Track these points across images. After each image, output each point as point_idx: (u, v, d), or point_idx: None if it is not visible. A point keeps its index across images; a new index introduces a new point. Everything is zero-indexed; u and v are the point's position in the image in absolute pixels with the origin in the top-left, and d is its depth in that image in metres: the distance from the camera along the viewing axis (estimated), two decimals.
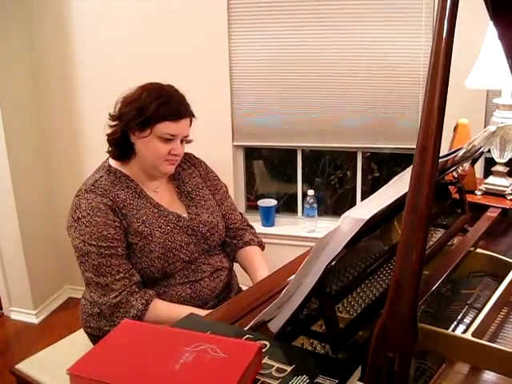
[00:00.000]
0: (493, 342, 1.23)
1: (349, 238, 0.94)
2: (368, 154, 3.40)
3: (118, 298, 1.75)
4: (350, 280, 1.27)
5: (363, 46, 2.89)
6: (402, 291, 0.68)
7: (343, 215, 0.96)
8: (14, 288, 3.49)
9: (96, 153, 3.33)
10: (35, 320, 3.50)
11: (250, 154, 3.42)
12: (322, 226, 3.28)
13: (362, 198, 3.30)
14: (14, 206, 3.28)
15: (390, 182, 1.11)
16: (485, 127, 2.48)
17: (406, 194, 1.07)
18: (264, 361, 0.92)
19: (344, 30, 2.90)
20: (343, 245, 0.95)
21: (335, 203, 3.89)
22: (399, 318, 0.68)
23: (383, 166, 3.80)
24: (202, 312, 1.69)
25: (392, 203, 1.01)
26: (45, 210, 3.55)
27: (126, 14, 3.14)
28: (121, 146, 1.86)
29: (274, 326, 1.08)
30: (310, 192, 3.19)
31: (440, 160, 1.37)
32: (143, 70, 3.13)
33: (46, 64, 3.37)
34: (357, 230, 0.93)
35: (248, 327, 1.12)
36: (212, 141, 2.94)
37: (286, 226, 3.36)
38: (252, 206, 3.53)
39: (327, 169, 3.86)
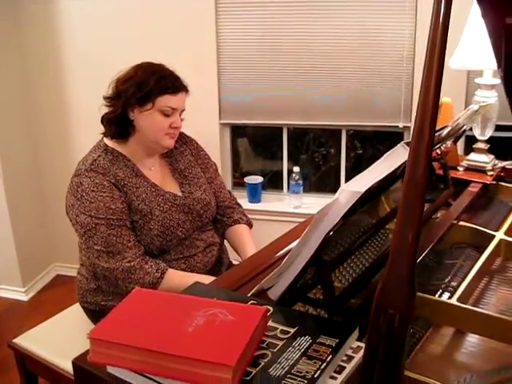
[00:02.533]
0: (475, 307, 1.31)
1: (346, 210, 1.01)
2: (351, 131, 3.47)
3: (132, 263, 1.81)
4: (342, 251, 1.35)
5: (348, 25, 2.94)
6: (401, 254, 0.75)
7: (340, 188, 1.03)
8: (3, 266, 3.51)
9: (84, 132, 3.38)
10: (24, 297, 3.52)
11: (235, 131, 3.46)
12: (307, 202, 3.36)
13: (346, 175, 3.38)
14: (1, 184, 3.29)
15: (380, 159, 1.18)
16: (465, 106, 2.57)
17: (395, 171, 1.15)
18: (269, 324, 0.99)
19: (329, 9, 2.94)
20: (341, 215, 1.02)
21: (319, 180, 3.96)
22: (399, 279, 0.75)
23: (366, 143, 3.87)
24: (211, 279, 1.76)
25: (383, 178, 1.08)
26: (33, 189, 3.56)
27: (117, 6, 3.17)
28: (120, 123, 1.90)
29: (274, 294, 1.16)
30: (296, 169, 3.26)
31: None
32: (131, 51, 3.17)
33: (36, 62, 3.38)
34: (353, 201, 1.00)
35: (250, 294, 1.19)
36: (199, 119, 2.98)
37: (272, 202, 3.43)
38: (238, 183, 3.58)
39: (311, 146, 3.92)
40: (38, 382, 2.11)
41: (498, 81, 1.94)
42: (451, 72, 2.18)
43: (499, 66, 1.77)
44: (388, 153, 1.18)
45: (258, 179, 3.40)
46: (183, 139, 2.13)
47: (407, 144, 1.23)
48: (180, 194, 2.00)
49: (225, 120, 3.26)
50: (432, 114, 0.74)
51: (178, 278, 1.88)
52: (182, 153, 2.09)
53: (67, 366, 1.91)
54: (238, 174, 3.71)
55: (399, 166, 1.15)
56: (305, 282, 1.22)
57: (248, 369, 0.88)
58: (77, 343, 1.99)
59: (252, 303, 1.07)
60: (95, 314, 2.01)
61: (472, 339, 1.24)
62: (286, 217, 3.30)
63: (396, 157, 1.13)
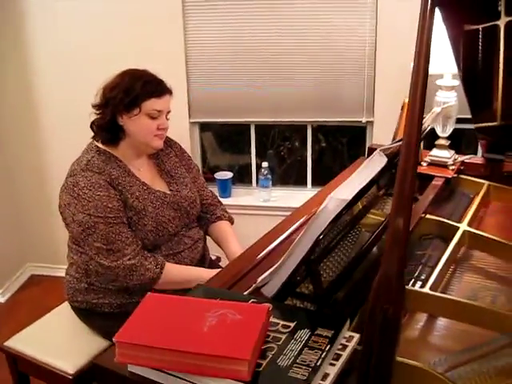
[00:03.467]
0: (444, 293, 1.46)
1: (335, 215, 1.13)
2: (315, 125, 3.60)
3: (133, 261, 1.91)
4: (325, 247, 1.47)
5: (311, 23, 3.06)
6: (392, 256, 0.88)
7: (329, 196, 1.15)
8: None
9: (54, 131, 3.42)
10: (1, 299, 3.54)
11: (201, 127, 3.55)
12: (275, 195, 3.50)
13: (312, 167, 3.52)
14: None
15: (361, 167, 1.31)
16: (427, 105, 2.72)
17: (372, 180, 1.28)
18: (271, 319, 1.11)
19: (292, 8, 3.05)
20: (330, 221, 1.14)
21: (284, 172, 4.09)
22: (392, 276, 0.88)
23: (329, 136, 4.01)
24: (206, 272, 1.98)
25: (364, 186, 1.21)
26: (4, 190, 3.57)
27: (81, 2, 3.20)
28: (110, 129, 1.98)
29: (269, 291, 1.28)
30: (265, 164, 3.38)
31: (396, 144, 1.59)
32: (100, 52, 3.24)
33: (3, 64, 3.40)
34: (340, 208, 1.13)
35: (246, 293, 1.31)
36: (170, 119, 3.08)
37: (242, 196, 3.55)
38: (206, 179, 3.67)
39: (276, 140, 4.04)
40: (30, 381, 2.19)
41: (457, 82, 2.08)
42: None
43: (458, 68, 1.93)
44: (366, 161, 1.31)
45: (228, 175, 3.51)
46: (168, 142, 2.23)
47: (383, 151, 1.36)
48: (169, 192, 2.10)
49: (194, 119, 3.36)
50: (416, 138, 0.86)
51: (176, 271, 2.01)
52: (168, 154, 2.19)
53: (59, 364, 2.00)
54: (205, 169, 3.80)
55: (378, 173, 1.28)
56: (294, 278, 1.35)
57: (259, 361, 1.00)
58: (66, 342, 2.11)
59: (253, 301, 1.19)
60: (85, 312, 2.10)
61: (443, 323, 1.38)
62: (256, 210, 3.44)
63: (374, 165, 1.26)
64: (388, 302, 0.87)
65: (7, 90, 3.43)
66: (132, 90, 1.92)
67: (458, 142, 3.20)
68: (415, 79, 0.94)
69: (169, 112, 2.04)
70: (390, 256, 0.87)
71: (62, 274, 3.33)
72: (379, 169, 1.28)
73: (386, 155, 1.40)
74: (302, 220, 1.82)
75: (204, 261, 2.23)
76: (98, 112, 2.00)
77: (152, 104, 1.94)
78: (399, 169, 0.87)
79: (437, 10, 1.63)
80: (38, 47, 3.32)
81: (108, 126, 1.98)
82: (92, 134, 2.05)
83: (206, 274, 1.97)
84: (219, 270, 2.06)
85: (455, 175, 2.14)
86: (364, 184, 1.20)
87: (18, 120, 3.50)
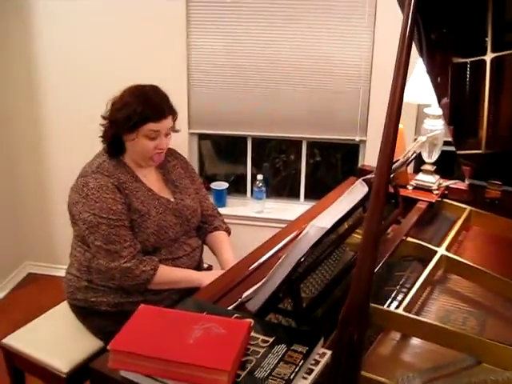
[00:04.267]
0: (419, 315, 1.55)
1: (314, 242, 1.24)
2: (311, 140, 3.70)
3: (129, 264, 2.02)
4: (307, 265, 1.57)
5: (309, 44, 3.18)
6: (359, 287, 0.99)
7: (310, 223, 1.26)
8: None
9: (54, 132, 3.50)
10: None
11: (199, 135, 3.66)
12: (268, 207, 3.61)
13: (305, 181, 3.62)
14: None
15: (342, 196, 1.41)
16: (416, 132, 2.83)
17: (353, 207, 1.39)
18: (251, 334, 1.22)
19: (292, 29, 3.17)
20: (310, 246, 1.25)
21: (278, 184, 4.20)
22: (357, 305, 0.99)
23: (324, 151, 4.12)
24: (196, 274, 2.15)
25: (344, 214, 1.32)
26: (3, 188, 3.64)
27: (86, 10, 3.29)
28: (114, 145, 2.11)
29: (253, 306, 1.38)
30: (259, 177, 3.49)
31: None
32: (103, 60, 3.33)
33: (9, 66, 3.48)
34: (320, 235, 1.23)
35: (232, 307, 1.42)
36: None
37: (236, 206, 3.66)
38: None
39: (272, 152, 4.15)
40: (25, 377, 2.28)
41: None
42: (404, 101, 2.43)
43: (438, 99, 2.03)
44: (348, 190, 1.42)
45: (224, 185, 3.62)
46: (175, 155, 2.38)
47: (365, 181, 1.46)
48: (173, 199, 2.23)
49: (193, 130, 3.47)
50: (385, 181, 0.97)
51: (168, 273, 2.13)
52: (174, 166, 2.32)
53: (53, 363, 2.09)
54: (202, 178, 3.90)
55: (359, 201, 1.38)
56: (277, 295, 1.45)
57: (238, 372, 1.10)
58: (62, 341, 2.20)
59: (236, 317, 1.29)
60: (84, 310, 2.20)
61: (415, 342, 1.47)
62: (249, 221, 3.55)
63: (355, 195, 1.37)
64: (354, 326, 0.97)
65: (9, 88, 3.51)
66: (133, 116, 2.02)
67: (451, 163, 3.31)
68: (386, 133, 1.03)
69: (170, 128, 2.14)
70: (356, 288, 0.98)
71: (59, 272, 3.49)
72: (359, 199, 1.38)
73: (369, 183, 1.51)
74: (291, 236, 1.91)
75: (199, 269, 2.34)
76: (106, 126, 2.12)
77: (149, 127, 2.05)
78: (368, 209, 0.97)
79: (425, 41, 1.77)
80: (43, 48, 3.42)
81: (111, 143, 2.11)
82: (97, 140, 2.17)
83: (195, 275, 2.16)
84: (209, 272, 2.19)
85: (439, 199, 2.23)
86: (343, 213, 1.31)
87: (19, 120, 3.59)
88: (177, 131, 2.20)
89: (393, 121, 1.02)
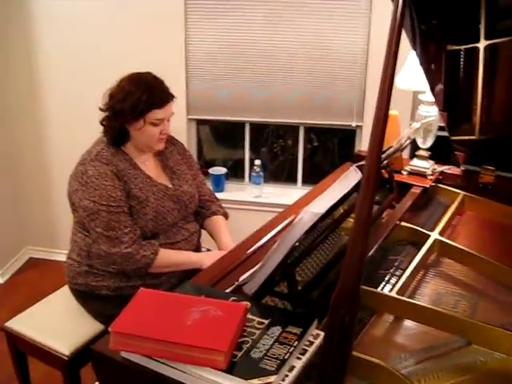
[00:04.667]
0: (412, 298, 1.59)
1: (308, 227, 1.28)
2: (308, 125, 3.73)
3: (129, 249, 2.06)
4: (303, 249, 1.61)
5: (306, 31, 3.20)
6: (350, 272, 1.03)
7: (304, 209, 1.29)
8: None
9: (54, 120, 3.53)
10: (0, 280, 3.67)
11: (198, 121, 3.69)
12: (266, 192, 3.65)
13: (303, 166, 3.67)
14: None
15: (336, 182, 1.45)
16: (411, 117, 2.85)
17: (347, 193, 1.42)
18: (248, 316, 1.26)
19: (289, 15, 3.19)
20: (304, 231, 1.29)
21: (276, 169, 4.23)
22: (348, 290, 1.03)
23: (321, 136, 4.14)
24: (195, 255, 2.20)
25: (338, 200, 1.36)
26: (4, 174, 3.68)
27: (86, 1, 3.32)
28: (118, 135, 2.14)
29: (249, 289, 1.42)
30: (257, 162, 3.52)
31: None
32: (102, 50, 3.35)
33: (9, 55, 3.51)
34: (314, 221, 1.27)
35: (229, 290, 1.46)
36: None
37: (234, 191, 3.70)
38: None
39: (270, 137, 4.18)
40: (27, 360, 2.34)
41: None
42: (399, 87, 2.46)
43: (430, 86, 2.05)
44: (342, 176, 1.45)
45: (222, 170, 3.65)
46: (172, 141, 2.40)
47: (358, 167, 1.50)
48: (171, 185, 2.26)
49: (192, 115, 3.50)
50: (376, 168, 1.00)
51: (167, 256, 2.17)
52: (171, 152, 2.36)
53: (55, 346, 2.14)
54: (201, 162, 3.94)
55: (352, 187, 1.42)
56: (273, 278, 1.49)
57: (234, 352, 1.15)
58: (63, 324, 2.24)
59: (233, 299, 1.33)
60: (84, 294, 2.25)
61: (408, 324, 1.51)
62: (247, 205, 3.59)
63: (349, 180, 1.40)
64: (345, 310, 1.02)
65: (11, 76, 3.54)
66: (138, 104, 2.05)
67: (447, 149, 3.33)
68: (375, 121, 1.06)
69: (171, 114, 2.18)
70: (347, 273, 1.02)
71: (60, 257, 3.54)
72: (352, 185, 1.42)
73: (362, 169, 1.54)
74: (288, 220, 1.94)
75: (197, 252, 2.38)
76: (106, 115, 2.14)
77: (154, 114, 2.08)
78: (359, 196, 1.01)
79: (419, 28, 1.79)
80: (43, 42, 3.45)
81: (116, 132, 2.13)
82: (96, 127, 2.19)
83: (195, 257, 2.22)
84: (208, 252, 2.27)
85: (433, 184, 2.27)
86: (336, 199, 1.35)
87: (20, 106, 3.62)
88: (172, 114, 2.22)
89: (382, 109, 1.06)
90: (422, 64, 1.92)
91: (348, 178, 1.44)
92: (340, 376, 1.03)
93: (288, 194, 3.59)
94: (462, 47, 1.87)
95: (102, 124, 2.17)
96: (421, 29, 1.74)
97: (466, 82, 1.96)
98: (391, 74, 1.13)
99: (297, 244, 1.31)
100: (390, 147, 1.83)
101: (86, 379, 2.17)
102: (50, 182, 3.74)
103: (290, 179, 3.82)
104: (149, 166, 2.24)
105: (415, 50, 1.87)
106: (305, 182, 3.70)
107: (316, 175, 3.37)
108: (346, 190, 1.41)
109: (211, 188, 3.52)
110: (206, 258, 2.16)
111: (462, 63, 1.91)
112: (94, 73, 3.37)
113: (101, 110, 2.14)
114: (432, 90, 2.03)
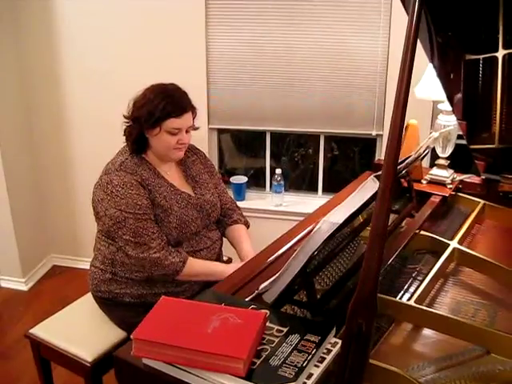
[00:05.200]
0: (431, 306, 1.60)
1: (326, 237, 1.30)
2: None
3: (158, 255, 2.10)
4: (323, 258, 1.63)
5: (327, 40, 3.21)
6: (366, 281, 1.05)
7: (323, 219, 1.31)
8: (4, 258, 3.70)
9: (78, 129, 3.60)
10: (24, 287, 3.72)
11: (219, 130, 3.72)
12: (287, 201, 3.67)
13: (323, 175, 3.68)
14: (2, 176, 3.46)
15: (354, 192, 1.47)
16: (431, 127, 2.86)
17: (365, 203, 1.44)
18: (267, 324, 1.28)
19: (310, 25, 3.21)
20: (322, 241, 1.31)
21: (297, 177, 4.25)
22: (365, 298, 1.05)
23: (342, 145, 4.16)
24: (224, 266, 2.22)
25: (356, 210, 1.38)
26: (30, 182, 3.75)
27: (110, 12, 3.37)
28: (137, 142, 2.18)
29: (269, 298, 1.45)
30: (278, 171, 3.54)
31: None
32: (124, 57, 3.40)
33: (34, 66, 3.56)
34: (332, 230, 1.29)
35: (248, 299, 1.48)
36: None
37: (255, 200, 3.73)
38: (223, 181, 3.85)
39: (291, 146, 4.20)
40: (51, 366, 2.38)
41: None
42: (419, 97, 2.47)
43: (447, 95, 2.06)
44: (360, 186, 1.47)
45: (243, 179, 3.68)
46: (194, 150, 2.44)
47: (377, 177, 1.52)
48: (193, 194, 2.30)
49: (213, 125, 3.54)
50: (391, 181, 1.02)
51: (196, 265, 2.20)
52: (193, 162, 2.39)
53: (78, 352, 2.18)
54: (222, 171, 3.97)
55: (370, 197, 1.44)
56: (292, 287, 1.51)
57: (253, 360, 1.17)
58: (87, 331, 2.28)
59: (252, 308, 1.36)
60: (108, 302, 2.29)
61: (426, 332, 1.52)
62: (268, 214, 3.61)
63: (367, 190, 1.42)
64: (362, 318, 1.04)
65: (36, 88, 3.60)
66: (155, 111, 2.09)
67: (469, 157, 3.32)
68: (391, 132, 1.08)
69: (190, 127, 2.21)
70: (363, 282, 1.04)
71: (83, 265, 3.60)
72: (370, 195, 1.44)
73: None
74: (308, 229, 1.96)
75: (219, 261, 2.41)
76: (127, 125, 2.19)
77: (171, 123, 2.12)
78: (375, 206, 1.03)
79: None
80: (66, 50, 3.50)
81: (136, 139, 2.17)
82: (119, 136, 2.24)
83: (221, 268, 2.23)
84: (234, 264, 2.29)
85: (453, 193, 2.27)
86: (354, 209, 1.37)
87: (47, 116, 3.68)
88: (196, 129, 2.26)
89: (398, 120, 1.08)
90: (439, 75, 1.93)
91: (366, 188, 1.46)
92: (358, 381, 1.05)
93: (308, 202, 3.61)
94: (481, 56, 1.87)
95: (124, 133, 2.21)
96: (438, 40, 1.76)
97: (485, 90, 1.96)
98: (407, 84, 1.15)
99: (315, 253, 1.33)
100: (409, 156, 1.84)
101: None
102: (74, 191, 3.80)
103: (311, 188, 3.83)
104: (171, 175, 2.28)
105: (432, 62, 1.88)
106: (325, 190, 3.71)
107: (337, 184, 3.38)
108: (364, 200, 1.42)
109: (233, 197, 3.59)
110: (232, 270, 2.18)
111: (480, 72, 1.92)
112: (114, 83, 3.42)
113: (124, 116, 2.19)
114: (450, 99, 2.04)
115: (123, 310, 2.24)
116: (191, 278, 2.20)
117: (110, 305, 2.28)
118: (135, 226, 2.09)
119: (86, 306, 2.40)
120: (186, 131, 2.19)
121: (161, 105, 2.09)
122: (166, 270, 2.12)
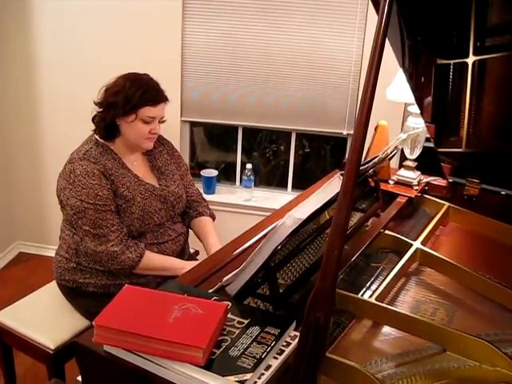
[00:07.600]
0: (391, 304, 1.63)
1: (290, 231, 1.32)
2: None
3: (116, 248, 2.10)
4: (287, 253, 1.66)
5: (301, 40, 3.25)
6: (326, 275, 1.07)
7: (288, 214, 1.33)
8: None
9: (49, 112, 3.57)
10: None
11: (191, 123, 3.73)
12: (257, 196, 3.69)
13: (294, 172, 3.70)
14: None
15: (320, 189, 1.49)
16: (401, 129, 2.90)
17: (330, 200, 1.46)
18: (228, 315, 1.30)
19: (285, 23, 3.24)
20: (286, 235, 1.33)
21: (268, 173, 4.27)
22: (324, 293, 1.07)
23: (313, 142, 4.19)
24: (179, 263, 2.20)
25: (320, 206, 1.40)
26: None
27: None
28: (108, 128, 2.17)
29: (231, 290, 1.46)
30: (249, 166, 3.57)
31: (361, 168, 1.77)
32: (99, 51, 3.38)
33: (7, 61, 3.54)
34: (296, 225, 1.31)
35: (211, 290, 1.50)
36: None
37: (225, 194, 3.74)
38: (193, 174, 3.83)
39: (263, 142, 4.22)
40: (13, 353, 2.37)
41: None
42: (390, 98, 2.50)
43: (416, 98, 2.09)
44: (326, 183, 1.49)
45: (214, 172, 3.69)
46: (161, 141, 2.43)
47: (343, 175, 1.53)
48: (158, 186, 2.30)
49: (185, 118, 3.54)
50: (353, 179, 1.04)
51: (153, 259, 2.20)
52: (160, 152, 2.39)
53: (41, 339, 2.18)
54: (194, 164, 3.98)
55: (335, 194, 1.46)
56: (255, 280, 1.53)
57: (213, 350, 1.18)
58: (50, 319, 2.27)
59: (215, 299, 1.37)
60: (72, 291, 2.28)
61: (386, 329, 1.54)
62: (237, 208, 3.64)
63: (332, 187, 1.45)
64: (320, 311, 1.06)
65: (8, 76, 3.58)
66: (132, 98, 2.09)
67: (436, 160, 3.37)
68: (355, 133, 1.10)
69: (162, 118, 2.23)
70: (324, 274, 1.06)
71: (50, 253, 3.57)
72: (336, 192, 1.46)
73: None
74: (274, 224, 1.97)
75: (184, 254, 2.42)
76: (99, 111, 2.18)
77: (147, 111, 2.12)
78: (337, 204, 1.05)
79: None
80: (41, 40, 3.48)
81: (107, 125, 2.16)
82: (90, 125, 2.23)
83: (178, 264, 2.22)
84: (193, 261, 2.26)
85: (419, 194, 2.31)
86: (319, 206, 1.39)
87: (15, 104, 3.65)
88: (164, 121, 2.26)
89: (362, 121, 1.09)
90: (410, 78, 1.96)
91: (332, 185, 1.48)
92: (313, 374, 1.07)
93: (278, 198, 3.64)
94: (452, 62, 1.91)
95: (93, 121, 2.20)
96: (408, 44, 1.78)
97: (455, 95, 2.00)
98: (373, 84, 1.16)
99: (279, 248, 1.34)
100: (376, 156, 1.87)
101: (70, 373, 2.20)
102: (41, 179, 3.77)
103: (282, 184, 3.86)
104: (137, 165, 2.27)
105: (403, 65, 1.91)
106: (295, 187, 3.74)
107: (307, 181, 3.40)
108: (329, 197, 1.45)
109: (203, 190, 3.60)
110: (189, 266, 2.18)
111: (451, 77, 1.95)
112: (88, 72, 3.40)
113: (95, 103, 2.18)
114: (419, 102, 2.07)
115: (87, 299, 2.24)
116: (148, 272, 2.20)
117: (73, 294, 2.27)
118: (95, 217, 2.09)
119: (50, 293, 2.39)
120: (158, 121, 2.19)
121: (138, 92, 2.09)
122: (121, 265, 2.13)
